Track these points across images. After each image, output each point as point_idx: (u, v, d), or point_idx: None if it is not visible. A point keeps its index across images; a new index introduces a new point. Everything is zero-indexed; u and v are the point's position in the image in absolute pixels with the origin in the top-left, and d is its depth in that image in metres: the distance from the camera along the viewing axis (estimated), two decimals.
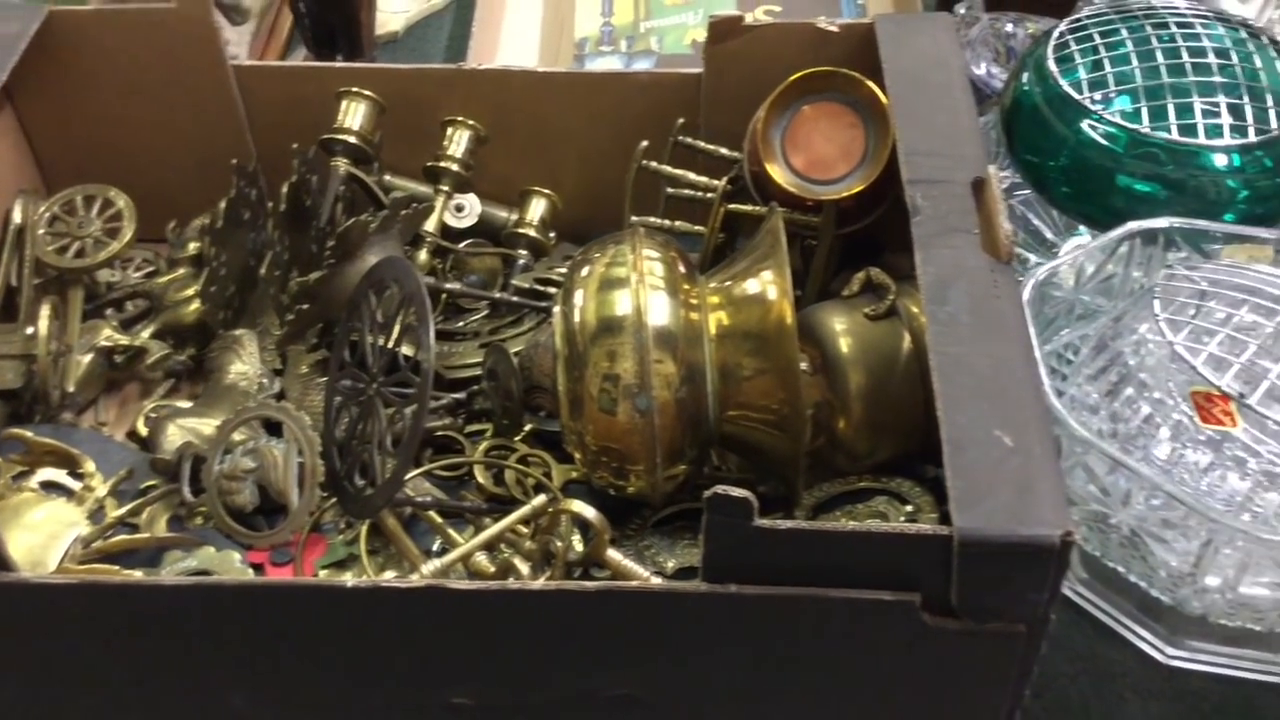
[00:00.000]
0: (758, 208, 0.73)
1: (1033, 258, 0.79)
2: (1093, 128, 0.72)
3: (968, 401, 0.54)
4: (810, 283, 0.73)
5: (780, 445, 0.62)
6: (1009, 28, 0.94)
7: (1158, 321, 0.59)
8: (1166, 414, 0.59)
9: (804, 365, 0.66)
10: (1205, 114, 0.73)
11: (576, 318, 0.63)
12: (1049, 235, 0.81)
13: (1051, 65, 0.75)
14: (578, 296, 0.64)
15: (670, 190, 0.79)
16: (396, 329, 0.66)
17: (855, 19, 0.80)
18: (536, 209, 0.86)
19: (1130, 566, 0.59)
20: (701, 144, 0.79)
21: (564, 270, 0.71)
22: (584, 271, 0.65)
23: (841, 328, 0.67)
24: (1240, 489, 0.60)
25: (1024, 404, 0.54)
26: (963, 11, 0.94)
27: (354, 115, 0.81)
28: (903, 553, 0.52)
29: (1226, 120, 0.72)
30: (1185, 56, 0.74)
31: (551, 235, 0.87)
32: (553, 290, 0.78)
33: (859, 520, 0.65)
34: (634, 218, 0.76)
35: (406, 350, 0.68)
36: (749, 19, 0.79)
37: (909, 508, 0.66)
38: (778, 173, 0.71)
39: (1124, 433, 0.61)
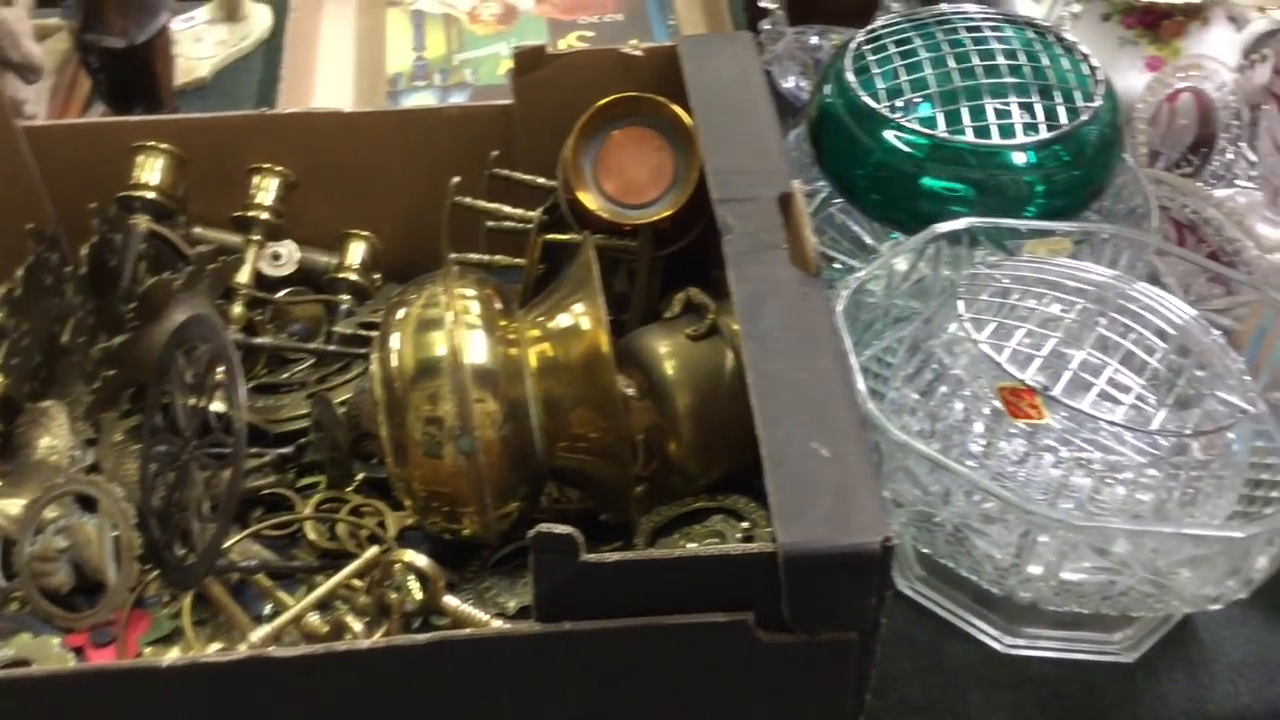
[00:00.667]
0: (576, 236, 0.72)
1: (855, 264, 0.80)
2: (895, 136, 0.74)
3: (785, 416, 0.55)
4: (634, 307, 0.73)
5: (610, 474, 0.62)
6: (814, 40, 0.96)
7: (962, 321, 0.61)
8: (979, 410, 0.60)
9: (631, 391, 0.66)
10: (1000, 114, 0.75)
11: (394, 362, 0.62)
12: (869, 241, 0.83)
13: (850, 77, 0.76)
14: (394, 340, 0.62)
15: (490, 224, 0.78)
16: (208, 388, 0.64)
17: (666, 42, 0.80)
18: (356, 252, 0.84)
19: (959, 562, 0.61)
20: (517, 175, 0.78)
21: None
22: (399, 315, 0.63)
23: (665, 350, 0.67)
24: (1054, 477, 0.62)
25: (839, 414, 0.55)
26: (768, 27, 0.96)
27: (151, 170, 0.78)
28: (732, 573, 0.52)
29: (1021, 119, 0.75)
30: (977, 60, 0.76)
31: (376, 277, 0.85)
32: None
33: (697, 540, 0.65)
34: (452, 255, 0.75)
35: (220, 408, 0.65)
36: (559, 46, 0.79)
37: (745, 524, 0.66)
38: (590, 200, 0.71)
39: (942, 431, 0.62)
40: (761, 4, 0.95)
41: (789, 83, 0.93)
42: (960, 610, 0.69)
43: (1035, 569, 0.57)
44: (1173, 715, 0.66)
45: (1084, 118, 0.74)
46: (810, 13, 0.98)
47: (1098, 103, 0.74)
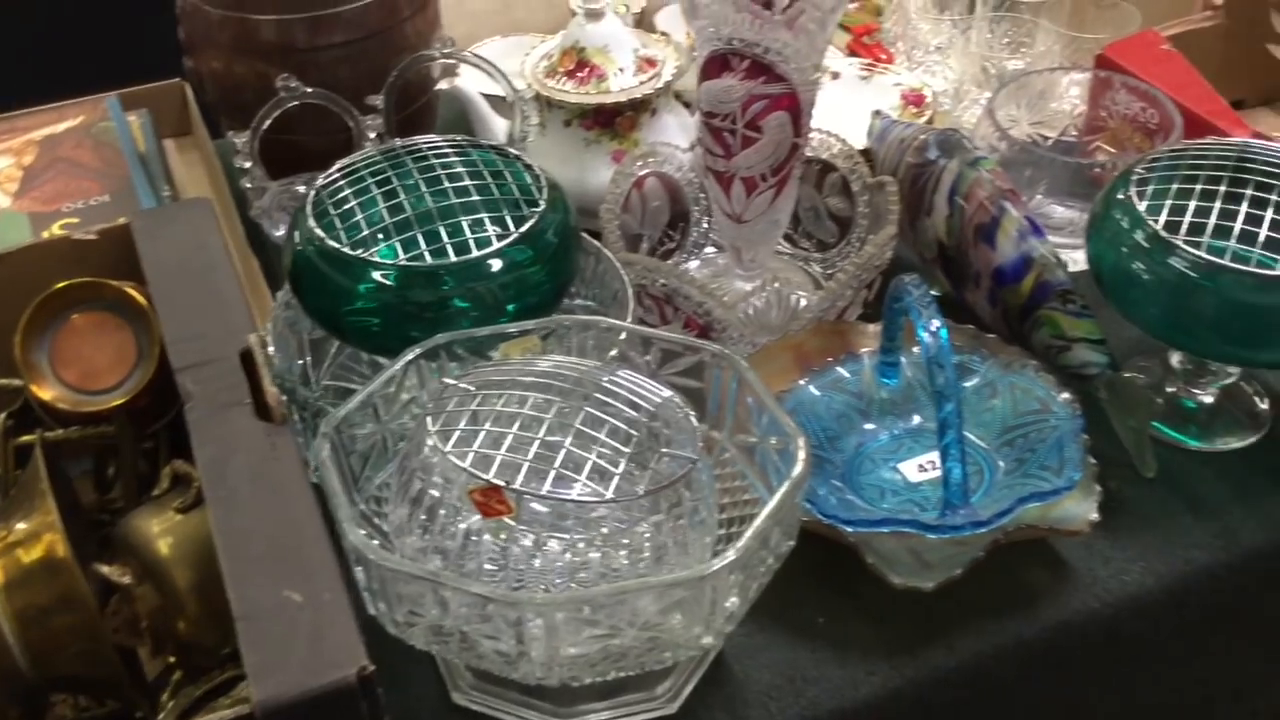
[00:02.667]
0: (33, 436, 0.70)
1: None
2: (367, 273, 0.77)
3: (254, 570, 0.55)
4: (124, 492, 0.71)
5: (104, 673, 0.60)
6: (301, 188, 0.98)
7: (429, 435, 0.64)
8: (461, 517, 0.63)
9: (127, 579, 0.64)
10: (473, 228, 0.79)
11: None
12: None
13: (312, 224, 0.78)
14: None
15: None
16: None
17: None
18: None
19: (478, 662, 0.63)
20: None
21: None
22: None
23: (157, 530, 0.66)
24: (570, 561, 0.65)
25: (313, 557, 0.56)
26: (249, 185, 0.97)
27: None
28: None
29: (491, 230, 0.79)
30: (447, 183, 0.80)
31: None
32: None
33: (220, 712, 0.63)
34: None
35: None
36: (44, 237, 0.77)
37: None
38: (47, 391, 0.69)
39: (439, 545, 0.64)
40: (237, 163, 0.96)
41: (281, 232, 0.95)
42: (512, 706, 0.71)
43: (537, 653, 0.60)
44: None
45: (533, 222, 0.79)
46: (292, 162, 1.00)
47: (542, 207, 0.80)
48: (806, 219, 1.04)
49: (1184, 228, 0.78)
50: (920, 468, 0.83)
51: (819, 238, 1.04)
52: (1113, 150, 1.04)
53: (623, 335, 0.75)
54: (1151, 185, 0.82)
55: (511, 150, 0.86)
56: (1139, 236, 0.79)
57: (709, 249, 1.06)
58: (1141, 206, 0.80)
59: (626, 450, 0.66)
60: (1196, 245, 0.77)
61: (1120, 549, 0.81)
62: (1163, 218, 0.79)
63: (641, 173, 1.00)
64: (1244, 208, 0.78)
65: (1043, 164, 0.98)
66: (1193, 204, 0.80)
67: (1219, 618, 0.83)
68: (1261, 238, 0.77)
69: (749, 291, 0.91)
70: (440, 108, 1.15)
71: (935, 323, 0.73)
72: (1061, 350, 0.86)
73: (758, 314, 0.88)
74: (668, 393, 0.70)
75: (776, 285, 0.88)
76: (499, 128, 1.08)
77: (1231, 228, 0.78)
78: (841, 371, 0.88)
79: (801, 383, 0.86)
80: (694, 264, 1.04)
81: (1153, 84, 1.02)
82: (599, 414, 0.68)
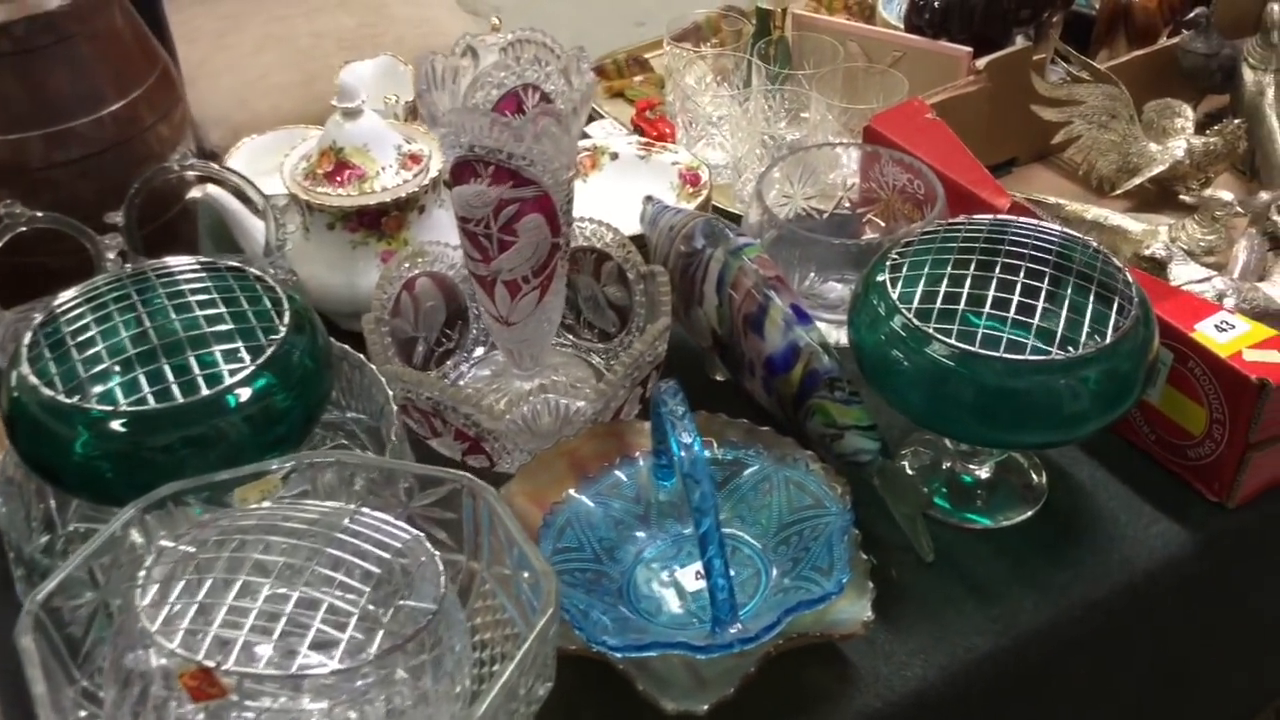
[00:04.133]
0: None
1: None
2: (87, 421, 0.71)
3: None
4: None
5: None
6: (39, 318, 0.92)
7: (137, 610, 0.59)
8: (175, 700, 0.58)
9: None
10: (204, 362, 0.74)
11: None
12: None
13: (26, 369, 0.73)
14: None
15: None
16: None
17: None
18: None
19: None
20: None
21: None
22: None
23: None
24: None
25: None
26: None
27: None
28: None
29: (225, 366, 0.75)
30: (174, 315, 0.76)
31: None
32: None
33: None
34: None
35: None
36: None
37: None
38: None
39: None
40: None
41: None
42: None
43: None
44: None
45: (273, 349, 0.75)
46: (36, 285, 0.94)
47: (283, 332, 0.76)
48: (587, 309, 1.02)
49: (935, 314, 0.78)
50: (698, 574, 0.81)
51: (600, 327, 1.02)
52: (882, 224, 1.04)
53: (361, 470, 0.71)
54: (905, 270, 0.82)
55: (252, 269, 0.81)
56: (895, 323, 0.79)
57: (489, 348, 1.02)
58: (895, 293, 0.80)
59: (360, 603, 0.62)
60: (948, 332, 0.77)
61: (902, 642, 0.80)
62: (915, 304, 0.79)
63: (411, 274, 0.97)
64: (991, 291, 0.78)
65: (810, 242, 0.98)
66: (943, 289, 0.79)
67: (1002, 704, 0.82)
68: (1010, 318, 0.77)
69: (528, 391, 0.88)
70: (203, 214, 1.10)
71: (687, 436, 0.71)
72: (835, 438, 0.85)
73: (528, 422, 0.85)
74: (413, 534, 0.66)
75: (545, 393, 0.85)
76: (260, 233, 1.03)
77: (981, 311, 0.78)
78: (619, 475, 0.85)
79: (574, 493, 0.83)
80: (472, 364, 1.01)
81: (917, 154, 1.03)
82: (336, 563, 0.64)
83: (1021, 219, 0.84)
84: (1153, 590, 0.84)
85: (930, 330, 0.77)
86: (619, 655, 0.71)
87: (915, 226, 0.85)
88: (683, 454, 0.70)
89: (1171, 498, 0.88)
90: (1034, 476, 0.90)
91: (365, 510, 0.68)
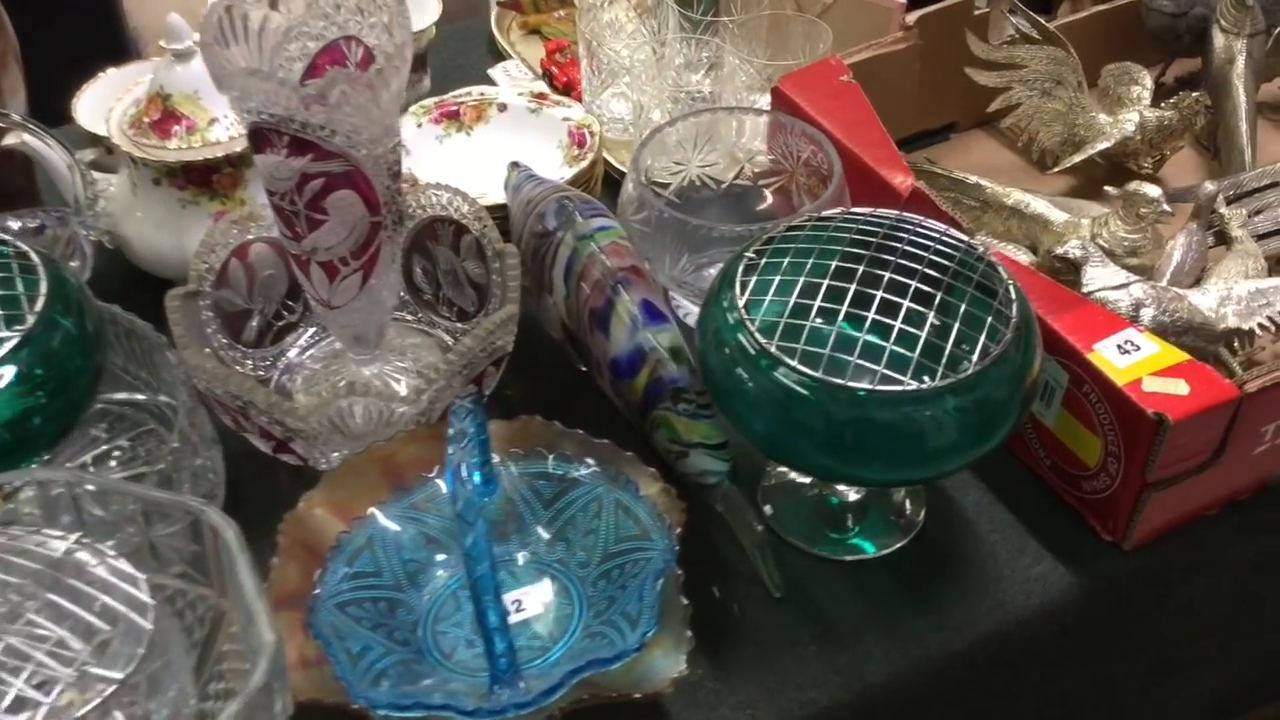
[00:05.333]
0: None
1: None
2: None
3: None
4: None
5: None
6: None
7: None
8: None
9: None
10: None
11: None
12: None
13: None
14: None
15: None
16: None
17: None
18: None
19: None
20: None
21: None
22: None
23: None
24: None
25: None
26: None
27: None
28: None
29: None
30: None
31: None
32: None
33: None
34: None
35: None
36: None
37: None
38: None
39: None
40: None
41: None
42: None
43: None
44: None
45: (18, 340, 0.66)
46: None
47: (29, 322, 0.67)
48: (447, 284, 0.92)
49: (783, 329, 0.68)
50: (515, 604, 0.72)
51: (460, 305, 0.92)
52: (787, 199, 0.93)
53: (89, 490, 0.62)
54: (758, 274, 0.71)
55: (20, 243, 0.72)
56: (741, 338, 0.68)
57: None
58: (743, 300, 0.69)
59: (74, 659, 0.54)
60: (794, 352, 0.67)
61: (731, 692, 0.71)
62: (761, 316, 0.69)
63: (243, 239, 0.87)
64: (844, 305, 0.68)
65: (675, 225, 0.85)
66: (793, 299, 0.69)
67: None
68: (861, 338, 0.67)
69: (365, 379, 0.79)
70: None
71: (467, 468, 0.61)
72: (679, 456, 0.76)
73: (336, 424, 0.76)
74: (131, 575, 0.58)
75: (373, 383, 0.76)
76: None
77: (832, 326, 0.68)
78: (439, 485, 0.76)
79: (377, 511, 0.74)
80: (315, 341, 0.91)
81: (821, 123, 0.92)
82: (52, 611, 0.55)
83: (902, 215, 0.74)
84: (1026, 641, 0.75)
85: (774, 350, 0.67)
86: (380, 713, 0.62)
87: (774, 228, 0.74)
88: (458, 487, 0.61)
89: (1062, 534, 0.79)
90: (910, 501, 0.81)
91: (85, 544, 0.59)
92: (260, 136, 0.72)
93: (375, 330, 0.85)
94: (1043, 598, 0.76)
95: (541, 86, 1.18)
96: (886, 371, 0.65)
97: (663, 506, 0.72)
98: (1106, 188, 0.91)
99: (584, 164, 0.99)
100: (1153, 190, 0.86)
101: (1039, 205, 0.91)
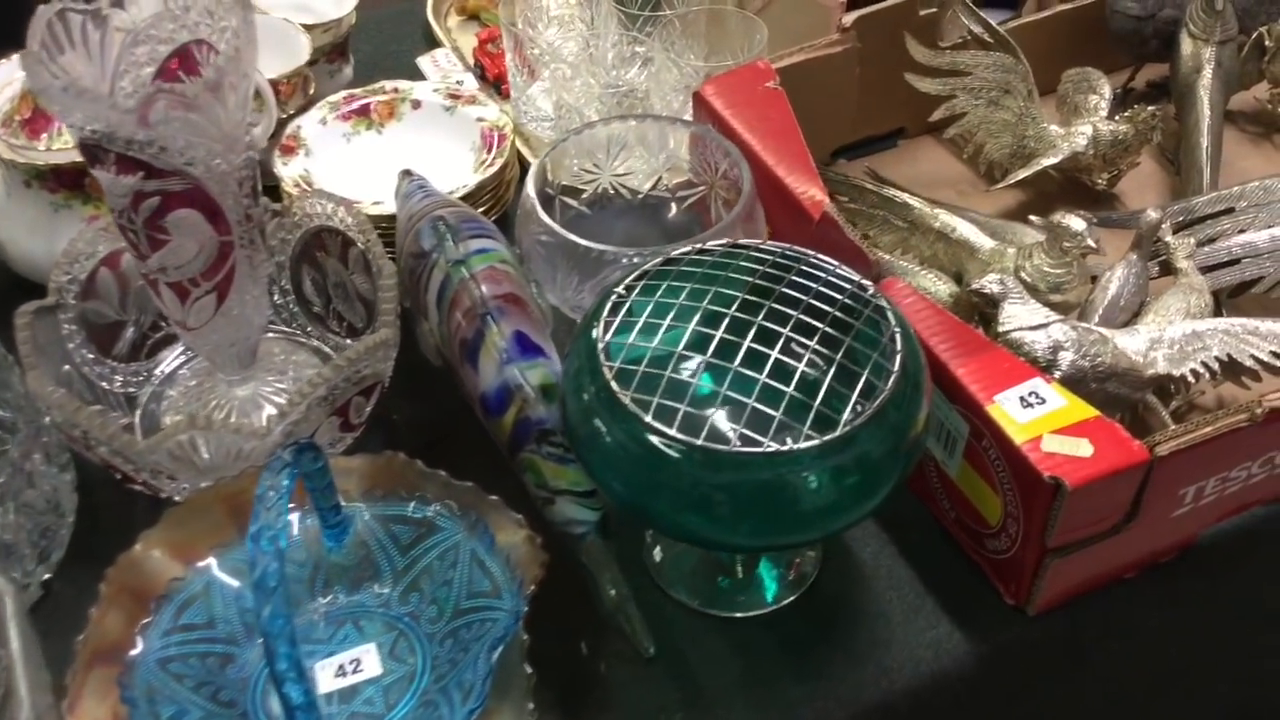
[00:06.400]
0: None
1: None
2: None
3: None
4: None
5: None
6: None
7: None
8: None
9: None
10: None
11: None
12: None
13: None
14: None
15: None
16: None
17: None
18: None
19: None
20: None
21: None
22: None
23: None
24: None
25: None
26: None
27: None
28: None
29: None
30: None
31: None
32: None
33: None
34: None
35: None
36: None
37: None
38: None
39: None
40: None
41: None
42: None
43: None
44: None
45: None
46: None
47: None
48: (337, 297, 0.86)
49: (639, 379, 0.62)
50: (341, 669, 0.67)
51: (349, 320, 0.86)
52: (698, 211, 0.87)
53: None
54: (624, 314, 0.65)
55: None
56: (599, 385, 0.63)
57: None
58: (604, 342, 0.63)
59: None
60: (647, 405, 0.61)
61: None
62: (619, 362, 0.62)
63: (113, 247, 0.82)
64: (709, 356, 0.62)
65: (564, 246, 0.79)
66: (655, 344, 0.63)
67: None
68: (723, 391, 0.61)
69: (236, 400, 0.74)
70: None
71: (269, 536, 0.56)
72: (546, 502, 0.70)
73: (178, 459, 0.71)
74: None
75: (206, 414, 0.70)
76: None
77: (694, 378, 0.62)
78: (293, 523, 0.71)
79: (210, 562, 0.69)
80: (194, 355, 0.86)
81: (741, 133, 0.86)
82: None
83: (790, 249, 0.67)
84: (915, 713, 0.69)
85: (630, 401, 0.61)
86: None
87: (650, 260, 0.68)
88: (254, 550, 0.55)
89: (963, 594, 0.73)
90: (805, 551, 0.75)
91: None
92: (89, 152, 0.66)
93: (242, 351, 0.80)
94: (934, 665, 0.70)
95: (470, 80, 1.12)
96: (746, 431, 0.59)
97: (523, 558, 0.67)
98: (1031, 217, 0.84)
99: (492, 170, 0.93)
100: (1077, 223, 0.79)
101: (966, 230, 0.85)
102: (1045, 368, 0.73)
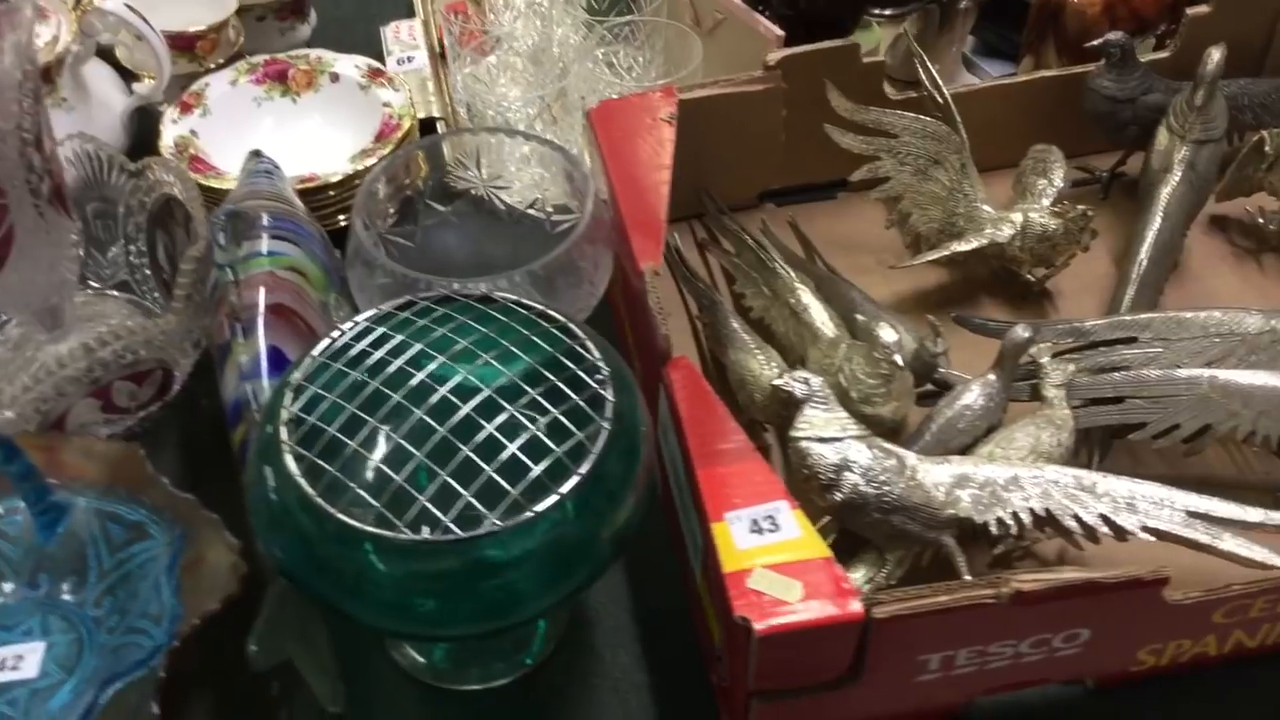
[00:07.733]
0: None
1: None
2: None
3: None
4: None
5: None
6: None
7: None
8: None
9: None
10: None
11: None
12: None
13: None
14: None
15: None
16: None
17: None
18: None
19: None
20: None
21: None
22: None
23: None
24: None
25: None
26: None
27: None
28: None
29: None
30: None
31: None
32: None
33: None
34: None
35: None
36: None
37: None
38: None
39: None
40: None
41: None
42: None
43: None
44: None
45: None
46: None
47: None
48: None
49: (325, 447, 0.57)
50: (16, 659, 0.65)
51: None
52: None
53: None
54: (319, 381, 0.59)
55: None
56: (273, 449, 0.57)
57: None
58: (292, 409, 0.58)
59: None
60: (322, 474, 0.56)
61: None
62: (314, 419, 0.57)
63: None
64: (388, 427, 0.57)
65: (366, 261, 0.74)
66: (350, 409, 0.58)
67: None
68: (398, 477, 0.55)
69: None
70: None
71: None
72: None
73: None
74: None
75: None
76: None
77: (371, 452, 0.57)
78: (19, 503, 0.70)
79: None
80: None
81: (610, 168, 0.80)
82: None
83: (547, 309, 0.62)
84: None
85: (300, 476, 0.56)
86: None
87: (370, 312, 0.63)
88: None
89: (693, 709, 0.67)
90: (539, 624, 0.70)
91: None
92: None
93: (46, 313, 0.78)
94: None
95: (422, 58, 1.08)
96: (390, 526, 0.54)
97: (220, 584, 0.63)
98: (856, 314, 0.76)
99: (369, 162, 0.89)
100: (888, 334, 0.70)
101: (815, 313, 0.77)
102: (825, 487, 0.66)
